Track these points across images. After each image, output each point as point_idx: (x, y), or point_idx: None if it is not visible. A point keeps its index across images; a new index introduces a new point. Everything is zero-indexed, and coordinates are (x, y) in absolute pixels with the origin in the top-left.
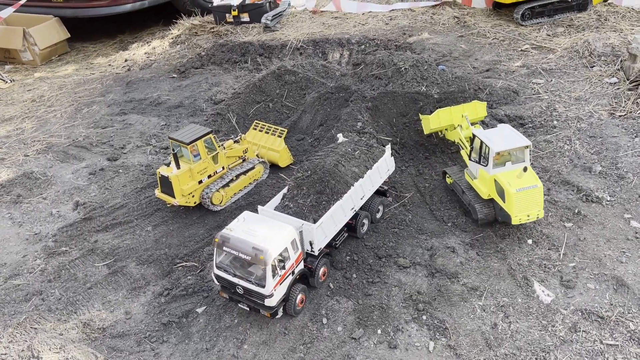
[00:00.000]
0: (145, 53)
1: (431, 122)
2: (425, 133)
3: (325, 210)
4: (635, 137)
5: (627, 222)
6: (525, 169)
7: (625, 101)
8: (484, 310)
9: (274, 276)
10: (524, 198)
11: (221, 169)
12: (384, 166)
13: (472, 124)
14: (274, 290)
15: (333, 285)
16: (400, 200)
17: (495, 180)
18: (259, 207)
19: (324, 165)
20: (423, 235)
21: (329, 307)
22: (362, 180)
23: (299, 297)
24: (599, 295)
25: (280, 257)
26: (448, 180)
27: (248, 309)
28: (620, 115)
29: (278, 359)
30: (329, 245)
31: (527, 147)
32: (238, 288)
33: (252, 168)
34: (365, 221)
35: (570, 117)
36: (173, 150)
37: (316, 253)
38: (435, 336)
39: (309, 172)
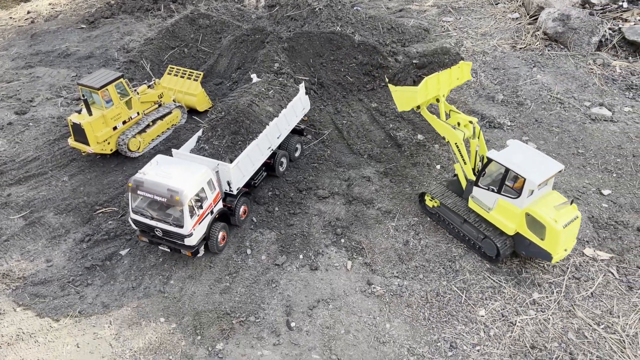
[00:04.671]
0: (50, 4)
1: (419, 96)
2: (399, 110)
3: (241, 150)
4: (533, 67)
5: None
6: (572, 202)
7: (525, 35)
8: (397, 230)
9: (191, 216)
10: (567, 232)
11: (136, 114)
12: (299, 105)
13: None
14: (193, 230)
15: (256, 219)
16: (319, 137)
17: (527, 214)
18: (173, 150)
19: (237, 106)
20: (341, 168)
21: (253, 239)
22: (278, 119)
23: (220, 234)
24: None
25: (197, 197)
26: (429, 204)
27: (169, 250)
28: (520, 48)
29: (204, 290)
30: (248, 185)
31: (560, 171)
32: (157, 230)
33: (169, 113)
34: (284, 160)
35: (477, 52)
36: (83, 96)
37: (235, 192)
38: (353, 256)
39: (223, 113)
